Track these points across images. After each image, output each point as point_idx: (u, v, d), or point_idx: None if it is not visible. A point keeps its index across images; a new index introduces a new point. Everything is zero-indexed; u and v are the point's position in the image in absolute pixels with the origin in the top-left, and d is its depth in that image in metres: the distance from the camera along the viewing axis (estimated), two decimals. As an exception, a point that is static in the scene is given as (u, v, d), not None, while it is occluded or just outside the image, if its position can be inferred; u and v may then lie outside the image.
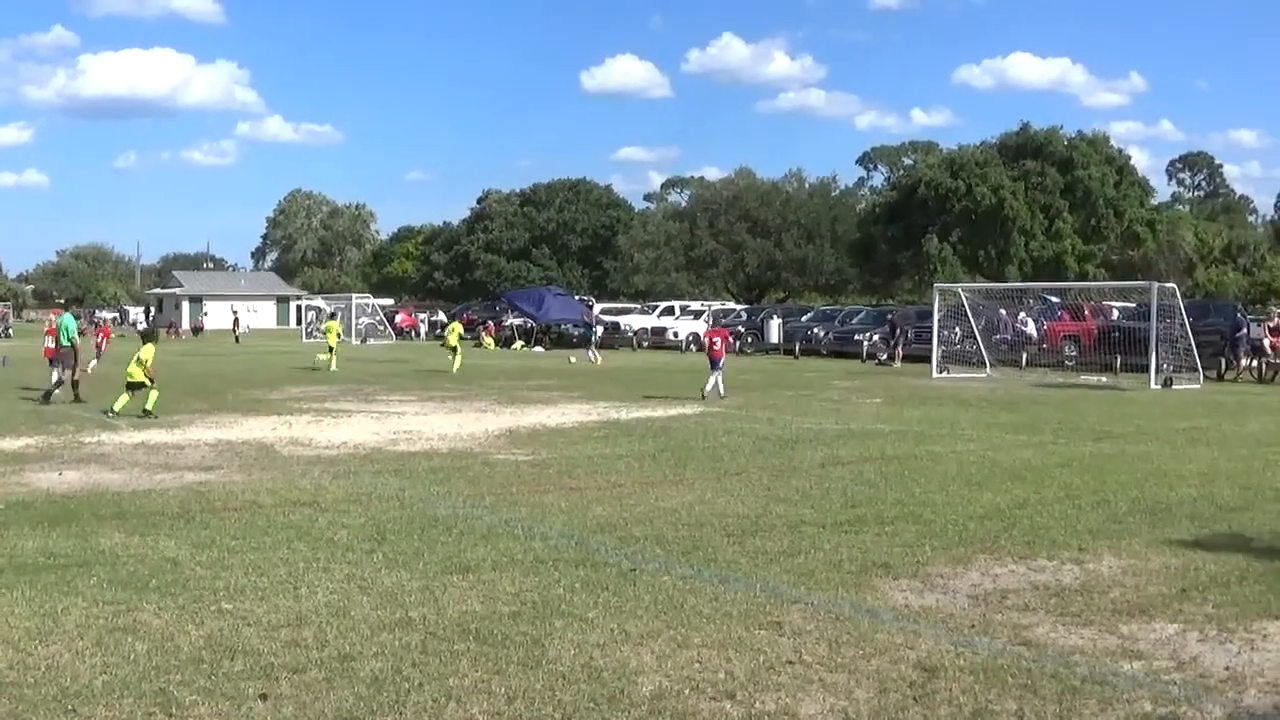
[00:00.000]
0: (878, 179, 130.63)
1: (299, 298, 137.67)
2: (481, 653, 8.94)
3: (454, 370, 45.71)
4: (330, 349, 49.39)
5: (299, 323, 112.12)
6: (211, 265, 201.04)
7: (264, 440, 22.69)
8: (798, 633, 9.53)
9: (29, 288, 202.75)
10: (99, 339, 44.23)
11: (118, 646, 9.13)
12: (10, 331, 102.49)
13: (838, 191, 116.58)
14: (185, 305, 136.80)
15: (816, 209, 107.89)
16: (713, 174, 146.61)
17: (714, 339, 34.25)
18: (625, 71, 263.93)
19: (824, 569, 11.70)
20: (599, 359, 53.28)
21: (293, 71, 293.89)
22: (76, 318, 35.31)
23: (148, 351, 28.18)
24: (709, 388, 32.15)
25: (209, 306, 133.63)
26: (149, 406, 27.12)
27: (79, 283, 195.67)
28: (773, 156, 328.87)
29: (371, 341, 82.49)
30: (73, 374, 32.13)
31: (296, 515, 14.62)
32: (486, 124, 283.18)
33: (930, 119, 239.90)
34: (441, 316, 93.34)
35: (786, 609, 10.21)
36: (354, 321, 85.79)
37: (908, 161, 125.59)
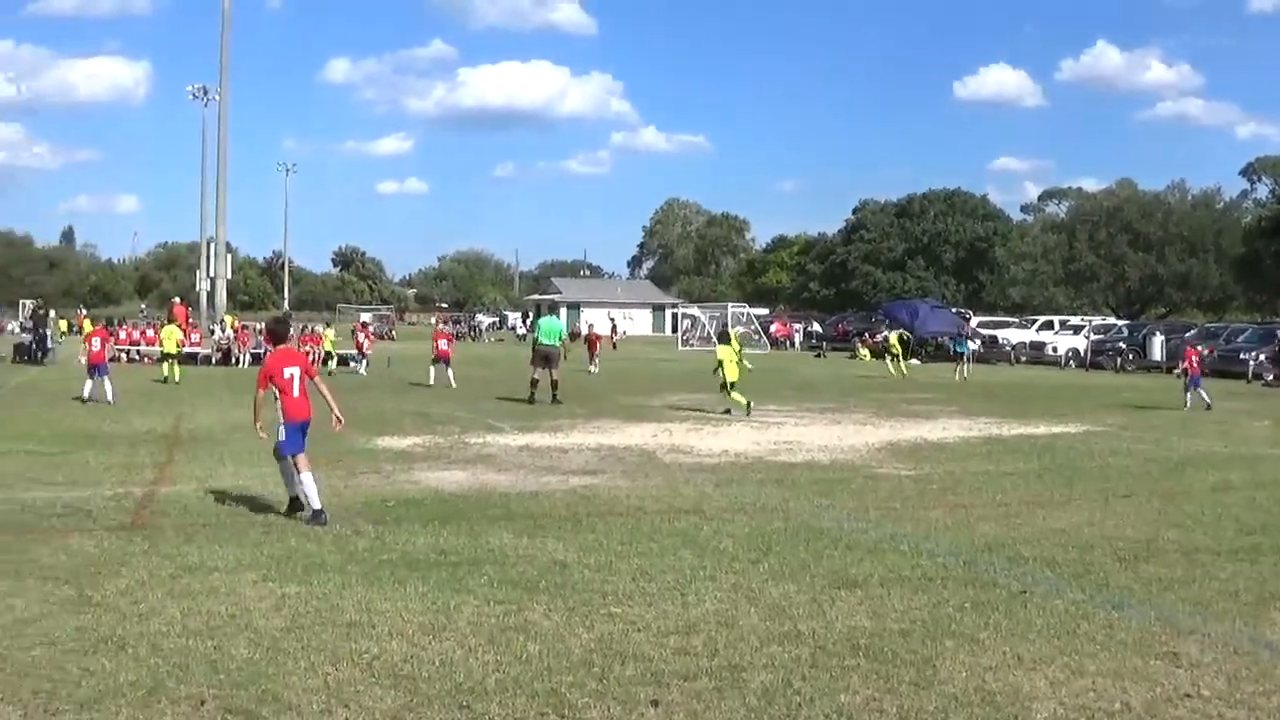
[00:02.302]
0: (1262, 191, 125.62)
1: (674, 305, 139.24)
2: (872, 670, 8.78)
3: (899, 375, 50.59)
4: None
5: (674, 330, 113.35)
6: (588, 272, 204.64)
7: (645, 446, 22.93)
8: (1195, 665, 9.11)
9: (411, 292, 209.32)
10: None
11: (509, 645, 9.26)
12: (394, 334, 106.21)
13: (1222, 204, 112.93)
14: (563, 312, 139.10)
15: (1200, 222, 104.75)
16: (1090, 185, 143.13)
17: (1191, 356, 36.00)
18: (998, 80, 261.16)
19: (1220, 599, 11.19)
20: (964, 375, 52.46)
21: (664, 83, 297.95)
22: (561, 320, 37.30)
23: (726, 352, 30.74)
24: (1203, 399, 34.33)
25: (586, 314, 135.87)
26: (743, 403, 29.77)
27: (459, 287, 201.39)
28: (1150, 167, 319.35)
29: (746, 351, 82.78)
30: (551, 374, 33.42)
31: (681, 522, 14.68)
32: (858, 134, 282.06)
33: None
34: (816, 327, 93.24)
35: (1182, 639, 9.77)
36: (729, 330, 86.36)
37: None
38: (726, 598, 10.82)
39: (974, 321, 75.27)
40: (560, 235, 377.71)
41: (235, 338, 57.10)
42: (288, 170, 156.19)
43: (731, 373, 30.29)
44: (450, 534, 13.65)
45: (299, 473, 14.61)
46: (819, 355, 76.97)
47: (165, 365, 42.46)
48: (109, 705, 7.86)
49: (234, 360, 54.16)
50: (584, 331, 66.02)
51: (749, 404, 29.87)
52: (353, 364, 49.91)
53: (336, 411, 15.23)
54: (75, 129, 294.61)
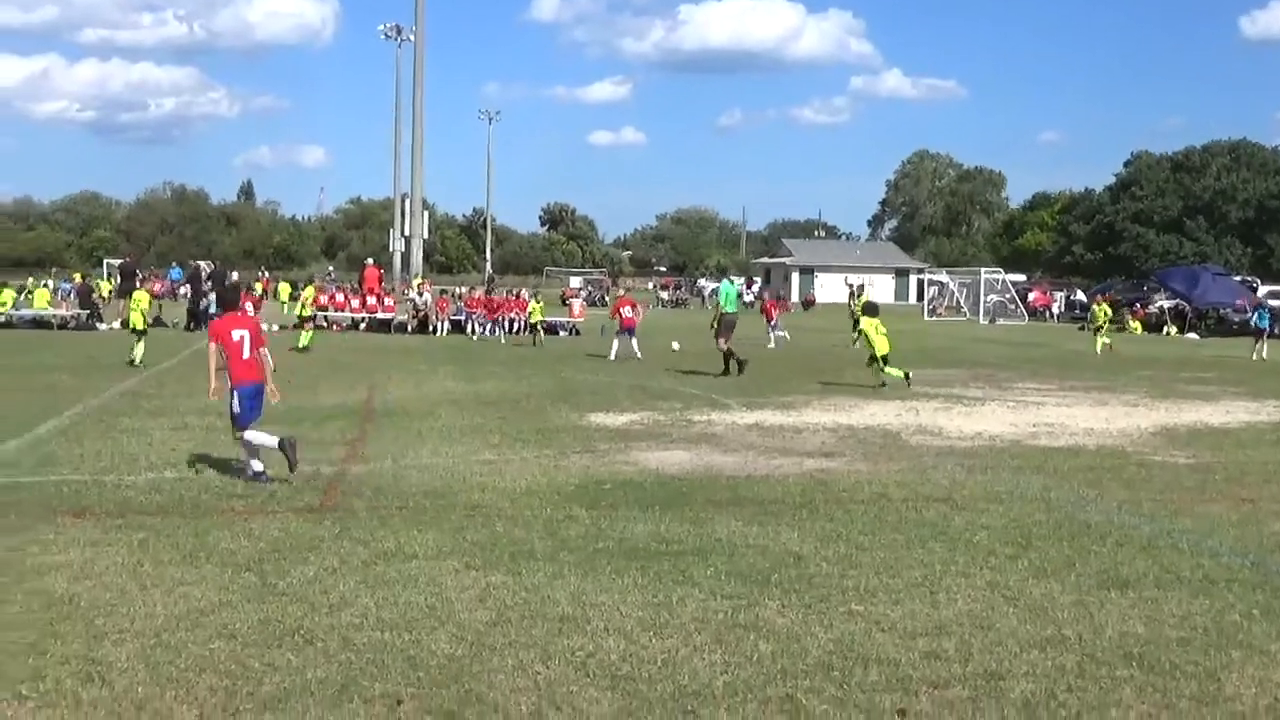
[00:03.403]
0: None
1: (920, 271, 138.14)
2: (1147, 682, 8.67)
3: (1102, 351, 48.13)
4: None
5: (920, 298, 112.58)
6: (823, 233, 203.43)
7: (888, 426, 22.86)
8: None
9: (626, 254, 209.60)
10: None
11: (739, 644, 9.32)
12: (607, 299, 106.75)
13: None
14: (795, 276, 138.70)
15: None
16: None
17: None
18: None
19: None
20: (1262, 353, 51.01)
21: (911, 21, 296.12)
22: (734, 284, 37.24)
23: (872, 324, 31.15)
24: None
25: (821, 278, 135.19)
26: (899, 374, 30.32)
27: (678, 249, 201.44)
28: None
29: (1001, 321, 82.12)
30: (726, 342, 33.43)
31: (930, 512, 14.63)
32: (1130, 78, 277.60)
33: None
34: (1080, 296, 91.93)
35: None
36: (982, 298, 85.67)
37: None
38: (981, 597, 10.78)
39: (1261, 291, 73.53)
40: (792, 191, 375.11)
41: (434, 304, 57.05)
42: (490, 119, 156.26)
43: (881, 345, 30.50)
44: (672, 520, 13.76)
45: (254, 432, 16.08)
46: (1083, 328, 75.76)
47: (304, 334, 42.31)
48: (295, 704, 8.04)
49: (431, 329, 54.57)
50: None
51: (907, 374, 30.46)
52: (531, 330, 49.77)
53: (272, 384, 16.67)
54: (254, 73, 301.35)
